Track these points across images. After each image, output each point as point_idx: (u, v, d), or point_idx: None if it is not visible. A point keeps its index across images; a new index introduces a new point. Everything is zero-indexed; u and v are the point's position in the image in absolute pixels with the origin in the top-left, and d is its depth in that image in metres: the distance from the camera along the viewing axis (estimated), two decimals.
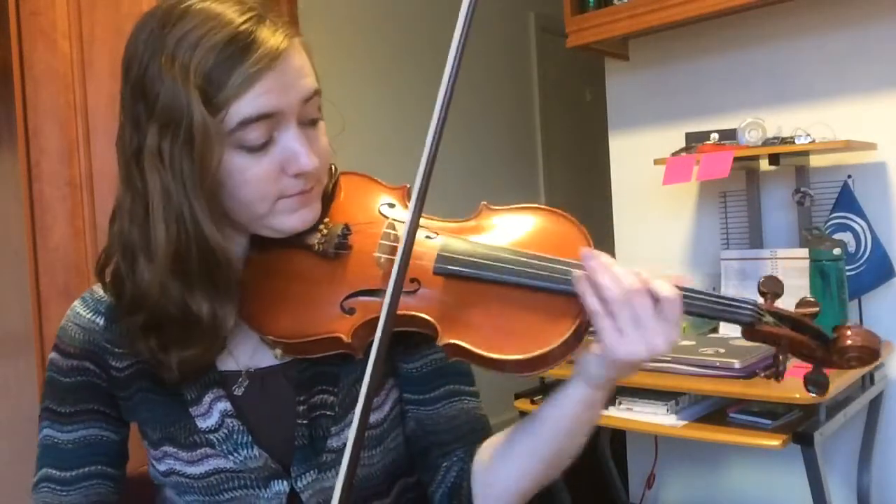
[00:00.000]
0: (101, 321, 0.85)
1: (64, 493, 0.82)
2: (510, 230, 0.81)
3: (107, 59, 1.92)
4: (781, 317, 0.73)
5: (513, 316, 0.74)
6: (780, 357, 0.73)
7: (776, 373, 0.73)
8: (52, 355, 0.86)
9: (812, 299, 0.75)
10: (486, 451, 0.85)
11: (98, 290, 0.87)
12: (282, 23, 0.75)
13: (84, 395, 0.84)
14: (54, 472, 0.83)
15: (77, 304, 0.87)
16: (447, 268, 0.77)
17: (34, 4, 1.95)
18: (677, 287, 0.71)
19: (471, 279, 0.76)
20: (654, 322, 0.69)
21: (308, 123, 0.78)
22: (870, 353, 0.70)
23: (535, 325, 0.73)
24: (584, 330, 0.75)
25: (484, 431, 0.88)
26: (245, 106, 0.71)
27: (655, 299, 0.69)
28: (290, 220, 0.78)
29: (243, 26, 0.71)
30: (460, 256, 0.77)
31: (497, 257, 0.76)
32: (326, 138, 0.82)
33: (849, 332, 0.71)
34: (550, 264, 0.75)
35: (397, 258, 0.67)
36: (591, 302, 0.70)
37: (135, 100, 0.74)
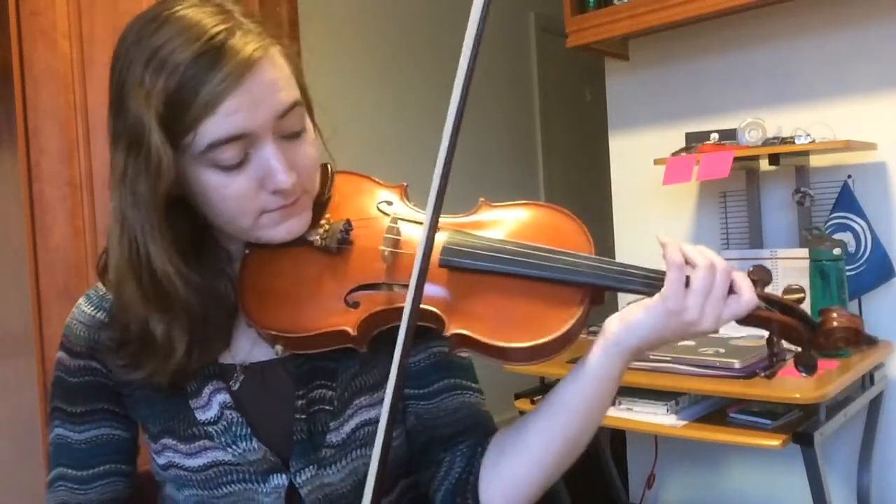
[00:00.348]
0: (103, 316, 0.85)
1: (81, 492, 0.83)
2: (509, 224, 0.83)
3: (107, 59, 1.90)
4: (771, 301, 0.77)
5: (517, 305, 0.76)
6: (774, 338, 0.77)
7: (773, 354, 0.77)
8: (60, 354, 0.86)
9: (797, 286, 0.79)
10: (496, 446, 0.84)
11: (101, 287, 0.87)
12: (257, 32, 0.73)
13: (92, 395, 0.85)
14: (69, 471, 0.84)
15: (82, 301, 0.88)
16: (453, 260, 0.78)
17: (34, 4, 1.95)
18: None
19: (475, 271, 0.77)
20: (717, 301, 0.73)
21: (288, 136, 0.76)
22: (854, 333, 0.75)
23: (539, 314, 0.75)
24: (586, 317, 0.76)
25: (488, 427, 0.87)
26: (213, 127, 0.70)
27: (732, 290, 0.74)
28: (276, 232, 0.79)
29: (211, 41, 0.69)
30: (466, 249, 0.78)
31: (501, 249, 0.78)
32: (313, 148, 0.80)
33: (834, 315, 0.75)
34: (553, 255, 0.76)
35: (417, 259, 0.67)
36: (674, 252, 0.74)
37: (113, 115, 0.75)
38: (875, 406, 1.97)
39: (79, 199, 1.94)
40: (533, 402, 1.98)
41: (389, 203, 0.87)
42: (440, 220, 0.82)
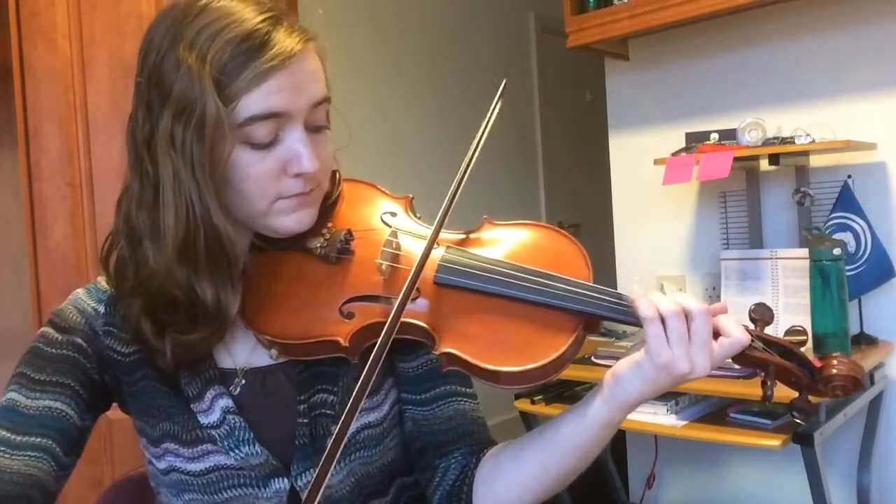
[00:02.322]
0: (101, 308, 0.85)
1: (6, 456, 0.75)
2: (510, 244, 0.82)
3: (107, 59, 1.92)
4: (770, 343, 0.75)
5: (510, 328, 0.75)
6: (769, 382, 0.75)
7: (766, 396, 0.75)
8: (44, 329, 0.84)
9: (800, 328, 0.77)
10: (493, 459, 0.84)
11: (102, 282, 0.87)
12: (298, 27, 0.77)
13: (65, 369, 0.81)
14: (5, 432, 0.77)
15: (80, 291, 0.87)
16: (448, 278, 0.78)
17: (34, 4, 1.95)
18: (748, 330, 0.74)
19: (471, 291, 0.77)
20: (703, 346, 0.71)
21: (314, 129, 0.79)
22: (854, 382, 0.72)
23: (532, 338, 0.74)
24: (580, 344, 0.75)
25: (481, 434, 0.88)
26: (254, 102, 0.73)
27: (717, 332, 0.72)
28: (287, 221, 0.79)
29: (261, 25, 0.73)
30: (462, 268, 0.78)
31: (498, 270, 0.77)
32: (331, 147, 0.83)
33: (834, 362, 0.73)
34: (549, 280, 0.75)
35: (412, 272, 0.69)
36: (647, 307, 0.71)
37: (150, 87, 0.75)
38: (875, 406, 1.97)
39: (79, 199, 1.94)
40: (533, 403, 1.98)
41: (393, 215, 0.87)
42: (441, 233, 0.82)
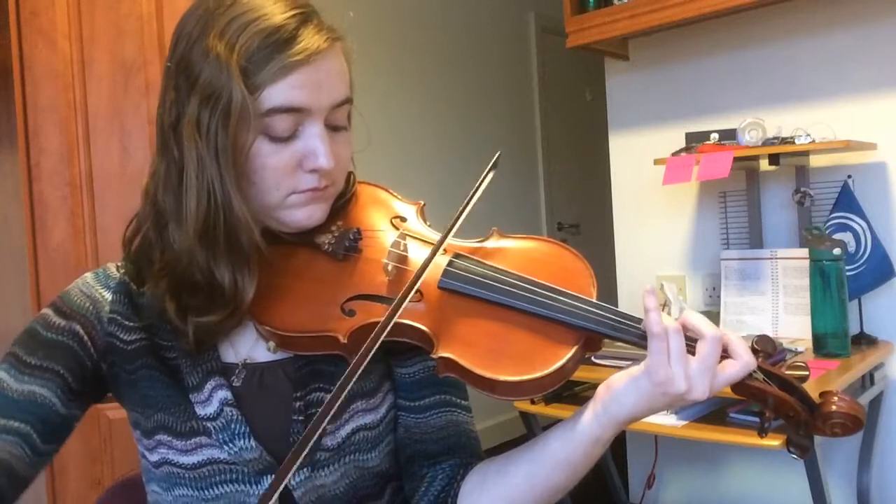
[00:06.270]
0: (108, 295, 0.85)
1: None
2: (516, 256, 0.83)
3: (107, 59, 1.92)
4: (771, 375, 0.74)
5: (511, 338, 0.75)
6: (767, 414, 0.74)
7: (762, 429, 0.75)
8: (45, 311, 0.84)
9: (802, 363, 0.76)
10: (479, 472, 0.84)
11: (111, 268, 0.88)
12: (327, 26, 0.79)
13: (56, 354, 0.81)
14: None
15: (88, 275, 0.88)
16: (452, 283, 0.78)
17: (34, 4, 1.95)
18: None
19: (474, 298, 0.77)
20: (707, 370, 0.70)
21: (333, 128, 0.81)
22: (854, 420, 0.71)
23: (532, 350, 0.74)
24: (579, 360, 0.75)
25: (472, 447, 0.88)
26: (276, 94, 0.74)
27: (728, 354, 0.71)
28: (298, 215, 0.80)
29: (290, 20, 0.75)
30: (466, 274, 0.78)
31: (503, 280, 0.77)
32: (349, 149, 0.84)
33: (835, 399, 0.72)
34: (552, 293, 0.75)
35: (417, 270, 0.70)
36: (654, 322, 0.71)
37: (178, 72, 0.77)
38: (875, 406, 1.97)
39: (79, 199, 1.94)
40: (533, 403, 1.98)
41: (404, 219, 0.87)
42: (449, 241, 0.82)
